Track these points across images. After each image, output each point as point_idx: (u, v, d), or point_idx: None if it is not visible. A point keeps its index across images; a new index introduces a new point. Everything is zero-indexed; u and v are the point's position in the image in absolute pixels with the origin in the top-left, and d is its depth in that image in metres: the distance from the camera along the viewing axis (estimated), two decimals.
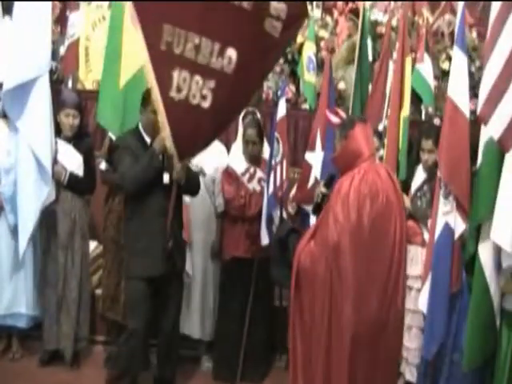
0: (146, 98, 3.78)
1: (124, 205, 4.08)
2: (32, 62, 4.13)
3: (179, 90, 3.35)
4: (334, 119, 3.90)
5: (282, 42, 3.72)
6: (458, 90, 3.64)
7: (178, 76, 3.34)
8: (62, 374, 4.41)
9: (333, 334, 3.17)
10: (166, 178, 3.83)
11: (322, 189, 3.57)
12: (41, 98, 4.17)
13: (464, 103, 3.63)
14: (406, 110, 4.36)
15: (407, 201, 4.07)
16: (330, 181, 3.53)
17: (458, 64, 3.66)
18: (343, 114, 4.11)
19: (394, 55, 5.01)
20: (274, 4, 3.52)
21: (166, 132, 3.48)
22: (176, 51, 3.31)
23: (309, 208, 4.25)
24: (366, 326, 3.13)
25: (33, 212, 4.23)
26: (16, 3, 4.17)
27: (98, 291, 4.78)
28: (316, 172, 4.34)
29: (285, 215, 4.34)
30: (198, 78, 3.41)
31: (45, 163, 4.17)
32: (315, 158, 4.39)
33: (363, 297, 3.13)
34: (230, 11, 3.44)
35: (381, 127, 4.63)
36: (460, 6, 3.81)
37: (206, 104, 3.49)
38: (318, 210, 3.54)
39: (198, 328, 4.62)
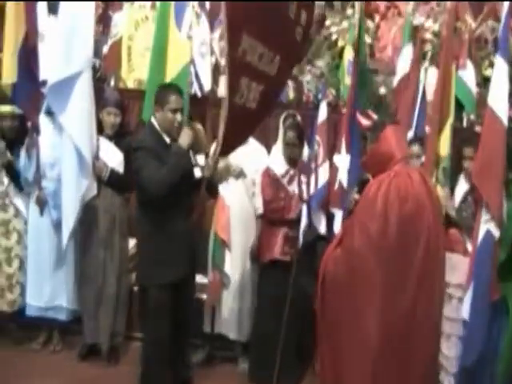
0: (162, 96, 3.80)
1: (140, 210, 3.89)
2: (74, 58, 4.25)
3: (241, 96, 3.44)
4: (365, 122, 3.85)
5: (302, 46, 4.12)
6: (497, 97, 3.65)
7: (244, 83, 3.44)
8: (99, 369, 4.49)
9: (356, 344, 3.07)
10: (197, 172, 3.83)
11: (355, 195, 3.54)
12: (83, 93, 4.29)
13: (502, 110, 3.63)
14: (450, 117, 4.32)
15: (451, 209, 4.04)
16: (362, 186, 3.46)
17: (500, 71, 3.67)
18: (374, 116, 4.06)
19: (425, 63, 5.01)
20: (303, 14, 3.86)
21: (219, 133, 3.45)
22: (247, 59, 3.41)
23: (335, 210, 4.25)
24: (391, 335, 3.02)
25: (74, 206, 4.32)
26: (62, 2, 4.29)
27: (136, 288, 4.81)
28: (341, 175, 4.26)
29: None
30: (254, 84, 3.54)
31: (85, 155, 4.27)
32: (340, 161, 4.32)
33: (389, 306, 3.02)
34: (284, 21, 3.67)
35: (410, 134, 4.60)
36: (504, 10, 3.79)
37: (254, 105, 3.60)
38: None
39: (234, 328, 4.63)
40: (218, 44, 5.71)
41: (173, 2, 4.75)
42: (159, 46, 4.58)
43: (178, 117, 3.81)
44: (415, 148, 4.32)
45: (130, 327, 4.80)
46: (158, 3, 5.07)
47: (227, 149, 3.71)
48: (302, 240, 4.12)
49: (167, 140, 3.82)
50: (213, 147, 4.02)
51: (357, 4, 6.01)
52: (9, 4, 4.24)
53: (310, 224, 4.23)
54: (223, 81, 3.53)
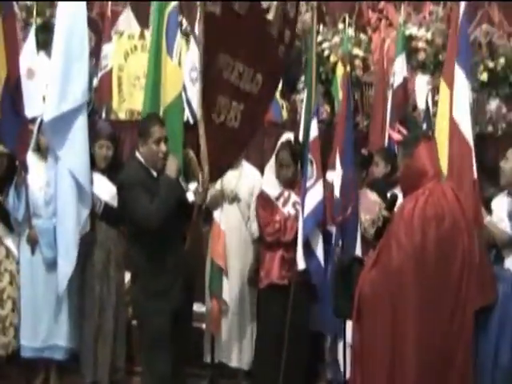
0: (144, 129, 3.77)
1: (132, 243, 3.88)
2: (71, 93, 4.24)
3: (219, 113, 3.46)
4: (396, 136, 3.74)
5: (283, 62, 4.19)
6: (460, 109, 3.70)
7: (220, 101, 3.46)
8: None
9: (396, 366, 3.03)
10: (190, 197, 3.84)
11: (383, 212, 3.46)
12: (80, 127, 4.29)
13: (466, 124, 3.71)
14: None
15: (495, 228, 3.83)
16: (392, 203, 3.42)
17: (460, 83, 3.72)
18: (405, 131, 3.96)
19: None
20: (286, 32, 3.96)
21: (203, 155, 3.43)
22: (224, 77, 3.45)
23: (332, 228, 4.15)
24: (431, 354, 2.99)
25: (73, 242, 4.27)
26: (56, 36, 4.27)
27: (134, 322, 4.68)
28: (335, 191, 4.15)
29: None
30: (235, 102, 3.57)
31: (86, 189, 4.27)
32: (336, 177, 4.20)
33: (427, 325, 2.99)
34: (266, 40, 3.75)
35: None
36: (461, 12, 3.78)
37: (236, 124, 3.62)
38: (379, 234, 3.39)
39: (236, 356, 4.55)
40: None
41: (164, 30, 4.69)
42: (153, 74, 4.52)
43: (163, 147, 3.74)
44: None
45: (131, 362, 4.71)
46: (149, 32, 5.06)
47: (216, 172, 3.67)
48: (337, 265, 3.99)
49: (154, 173, 3.76)
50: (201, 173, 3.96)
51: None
52: None
53: (342, 247, 4.10)
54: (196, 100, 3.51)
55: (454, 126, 3.73)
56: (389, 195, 3.69)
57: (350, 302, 3.30)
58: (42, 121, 4.42)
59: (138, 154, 3.80)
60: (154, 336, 3.77)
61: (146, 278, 3.78)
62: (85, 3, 4.39)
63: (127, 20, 6.52)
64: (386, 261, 3.09)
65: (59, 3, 4.34)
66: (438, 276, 3.02)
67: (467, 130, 3.72)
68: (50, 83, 4.28)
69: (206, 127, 3.34)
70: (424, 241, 3.00)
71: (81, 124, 4.28)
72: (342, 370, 4.19)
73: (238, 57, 3.52)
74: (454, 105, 3.75)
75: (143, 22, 6.37)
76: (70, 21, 4.24)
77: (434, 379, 3.02)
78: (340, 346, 4.23)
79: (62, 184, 4.28)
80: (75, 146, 4.26)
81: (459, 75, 3.72)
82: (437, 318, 3.01)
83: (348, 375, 4.18)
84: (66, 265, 4.27)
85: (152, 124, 3.77)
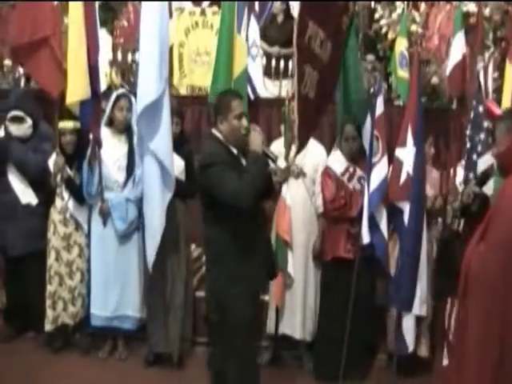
0: (223, 104, 3.52)
1: (216, 226, 3.51)
2: (163, 74, 4.19)
3: (305, 85, 3.43)
4: (498, 111, 3.68)
5: (345, 34, 4.04)
6: None
7: (307, 71, 3.46)
8: (166, 375, 4.50)
9: (506, 347, 2.93)
10: (275, 178, 3.59)
11: (474, 188, 3.39)
12: (165, 107, 4.21)
13: None
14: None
15: None
16: (482, 179, 3.37)
17: None
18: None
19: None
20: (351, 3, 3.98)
21: (295, 128, 3.43)
22: (312, 46, 3.46)
23: (402, 205, 4.18)
24: None
25: (159, 224, 4.27)
26: (143, 19, 4.16)
27: (198, 293, 4.86)
28: (408, 168, 4.18)
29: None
30: (315, 72, 3.51)
31: (169, 170, 4.24)
32: (406, 154, 4.22)
33: None
34: (336, 7, 3.73)
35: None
36: None
37: (312, 94, 3.56)
38: (467, 210, 3.33)
39: (299, 328, 4.60)
40: None
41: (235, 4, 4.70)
42: (224, 52, 4.56)
43: (244, 122, 3.52)
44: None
45: (195, 332, 4.82)
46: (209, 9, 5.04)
47: (301, 146, 3.69)
48: (439, 241, 3.99)
49: (234, 151, 3.53)
50: (273, 147, 3.93)
51: None
52: (71, 25, 4.32)
53: (444, 224, 4.12)
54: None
55: None
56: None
57: (453, 279, 3.24)
58: (117, 96, 4.53)
59: (216, 132, 3.54)
60: (245, 324, 3.51)
61: (231, 262, 3.48)
62: None
63: None
64: (497, 237, 2.98)
65: None
66: None
67: None
68: (144, 67, 4.15)
69: (298, 99, 3.30)
70: None
71: (166, 105, 4.19)
72: (407, 343, 4.29)
73: (321, 24, 3.50)
74: None
75: None
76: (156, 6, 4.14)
77: None
78: (407, 320, 4.30)
79: (149, 168, 4.24)
80: (161, 129, 4.18)
81: None
82: None
83: (410, 348, 4.30)
84: (153, 245, 4.28)
85: (232, 98, 3.53)
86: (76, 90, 4.32)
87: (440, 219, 4.20)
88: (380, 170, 4.28)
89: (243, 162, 3.53)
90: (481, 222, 3.14)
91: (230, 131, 3.50)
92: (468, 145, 4.24)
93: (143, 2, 4.14)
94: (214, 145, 3.53)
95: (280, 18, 6.10)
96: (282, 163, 3.83)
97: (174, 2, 6.36)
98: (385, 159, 4.32)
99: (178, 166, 4.48)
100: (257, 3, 5.70)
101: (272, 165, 3.49)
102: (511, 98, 4.25)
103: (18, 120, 4.75)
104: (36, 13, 4.46)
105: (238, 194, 3.31)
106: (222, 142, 3.52)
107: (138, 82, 4.17)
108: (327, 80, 3.76)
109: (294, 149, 3.59)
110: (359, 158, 4.44)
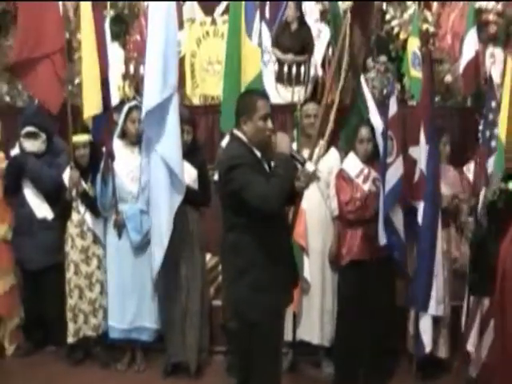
0: (248, 104, 3.27)
1: (240, 234, 3.26)
2: (169, 80, 4.26)
3: (347, 92, 3.63)
4: None
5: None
6: None
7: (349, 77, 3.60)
8: None
9: None
10: (297, 183, 3.30)
11: (500, 184, 3.35)
12: (173, 114, 4.28)
13: None
14: None
15: None
16: (508, 176, 3.35)
17: None
18: None
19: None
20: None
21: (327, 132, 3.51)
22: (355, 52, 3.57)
23: (417, 204, 4.14)
24: None
25: (167, 231, 4.32)
26: (150, 25, 4.28)
27: (215, 302, 4.86)
28: (421, 166, 4.17)
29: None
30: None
31: (178, 175, 4.27)
32: (420, 152, 4.22)
33: None
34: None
35: None
36: None
37: (347, 100, 3.77)
38: (493, 207, 3.31)
39: (317, 334, 4.55)
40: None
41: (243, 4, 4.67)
42: (233, 55, 4.53)
43: (269, 123, 3.27)
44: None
45: (212, 341, 4.79)
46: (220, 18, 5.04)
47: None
48: (472, 239, 3.95)
49: (257, 153, 3.29)
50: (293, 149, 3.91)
51: None
52: (84, 41, 4.38)
53: (476, 221, 4.00)
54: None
55: None
56: None
57: (487, 277, 3.19)
58: (129, 108, 4.55)
59: (238, 133, 3.29)
60: (270, 337, 3.28)
61: (257, 271, 3.24)
62: None
63: (191, 8, 6.60)
64: None
65: None
66: None
67: None
68: (149, 72, 4.24)
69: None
70: None
71: (173, 111, 4.26)
72: (425, 343, 4.21)
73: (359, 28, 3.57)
74: None
75: (207, 9, 6.47)
76: (163, 10, 4.23)
77: None
78: (424, 320, 4.23)
79: (157, 172, 4.30)
80: (169, 133, 4.25)
81: None
82: None
83: (427, 349, 4.21)
84: (160, 251, 4.33)
85: (258, 98, 3.28)
86: (92, 105, 4.38)
87: (471, 218, 4.12)
88: (395, 171, 4.24)
89: (265, 166, 3.33)
90: (508, 218, 3.10)
91: (254, 132, 3.25)
92: (481, 140, 4.19)
93: (150, 6, 4.20)
94: (238, 146, 3.28)
95: (294, 26, 6.06)
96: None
97: (184, 13, 6.43)
98: (400, 159, 4.28)
99: (190, 174, 4.48)
100: (267, 10, 5.69)
101: (300, 168, 3.28)
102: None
103: (32, 136, 4.78)
104: (39, 29, 4.48)
105: (266, 197, 3.07)
106: (246, 143, 3.28)
107: (144, 85, 4.25)
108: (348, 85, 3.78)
109: (317, 152, 3.54)
110: (373, 160, 4.40)
